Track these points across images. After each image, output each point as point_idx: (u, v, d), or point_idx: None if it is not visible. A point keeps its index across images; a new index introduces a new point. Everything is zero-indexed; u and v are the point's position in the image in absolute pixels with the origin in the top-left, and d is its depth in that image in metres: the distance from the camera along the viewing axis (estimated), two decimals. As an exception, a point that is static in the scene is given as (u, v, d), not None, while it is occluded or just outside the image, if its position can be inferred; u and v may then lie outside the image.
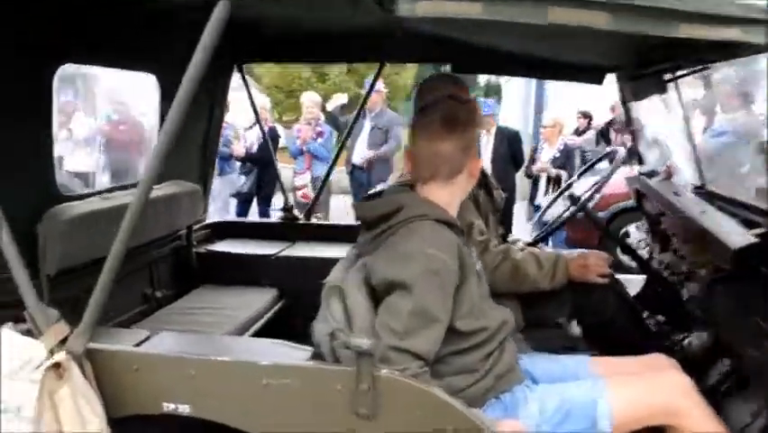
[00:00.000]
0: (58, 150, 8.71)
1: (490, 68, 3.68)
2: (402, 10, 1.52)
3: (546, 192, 7.34)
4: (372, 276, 1.83)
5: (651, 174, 3.13)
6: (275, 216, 7.62)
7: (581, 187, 5.41)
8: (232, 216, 7.29)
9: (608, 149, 8.88)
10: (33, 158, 2.43)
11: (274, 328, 3.06)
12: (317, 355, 1.90)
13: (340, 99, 7.41)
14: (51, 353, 1.66)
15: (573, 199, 3.06)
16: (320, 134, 7.53)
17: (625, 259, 4.97)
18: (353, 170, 7.56)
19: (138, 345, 2.14)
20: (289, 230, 3.78)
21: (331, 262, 3.34)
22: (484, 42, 2.81)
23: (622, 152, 3.01)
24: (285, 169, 8.76)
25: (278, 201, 7.93)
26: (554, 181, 7.56)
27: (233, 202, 7.84)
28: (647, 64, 2.75)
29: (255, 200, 7.83)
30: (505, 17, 1.55)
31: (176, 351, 1.87)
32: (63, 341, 1.69)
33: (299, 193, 7.45)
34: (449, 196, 1.94)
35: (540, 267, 2.63)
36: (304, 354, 1.99)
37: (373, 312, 1.78)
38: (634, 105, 3.36)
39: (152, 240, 2.99)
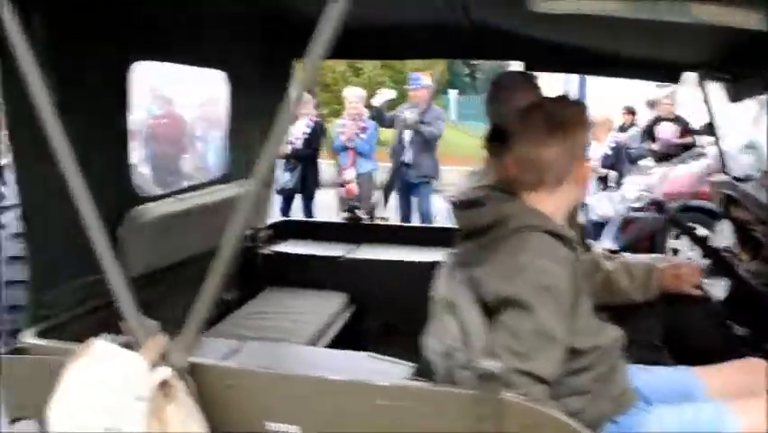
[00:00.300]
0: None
1: (563, 66, 3.54)
2: (539, 6, 1.41)
3: (598, 190, 7.18)
4: (483, 291, 1.72)
5: (744, 179, 2.99)
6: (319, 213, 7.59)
7: (631, 188, 5.19)
8: (276, 213, 7.23)
9: (654, 146, 8.71)
10: (112, 157, 2.37)
11: (345, 336, 2.98)
12: (421, 372, 1.81)
13: (387, 95, 7.29)
14: (153, 368, 1.59)
15: (659, 205, 2.93)
16: (364, 130, 7.44)
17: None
18: (398, 166, 7.45)
19: (228, 357, 2.06)
20: (354, 231, 3.68)
21: (402, 266, 3.27)
22: (572, 41, 2.69)
23: (712, 151, 2.88)
24: (328, 165, 8.71)
25: (320, 198, 7.90)
26: (602, 180, 7.40)
27: (277, 199, 7.79)
28: (741, 62, 2.61)
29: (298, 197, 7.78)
30: (645, 14, 1.44)
31: (276, 366, 1.78)
32: (162, 354, 1.62)
33: (344, 189, 7.38)
34: (555, 204, 1.83)
35: (632, 278, 2.50)
36: (404, 371, 1.89)
37: (489, 330, 1.68)
38: (715, 104, 3.21)
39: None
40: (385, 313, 3.19)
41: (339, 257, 3.35)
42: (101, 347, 1.62)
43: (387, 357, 2.03)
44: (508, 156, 1.87)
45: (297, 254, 3.40)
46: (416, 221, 7.51)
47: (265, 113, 3.46)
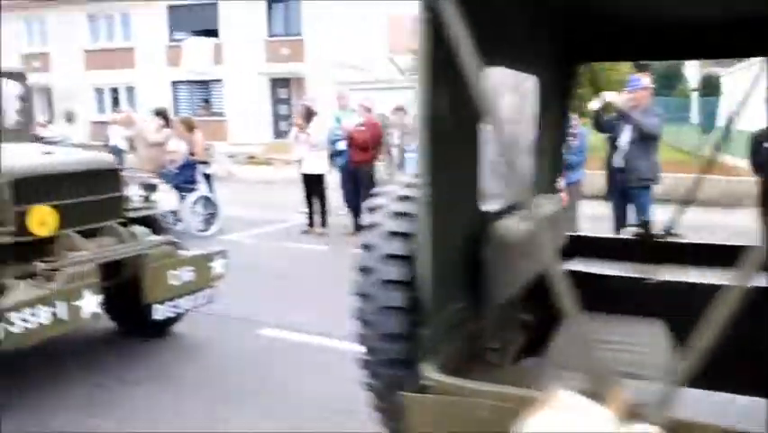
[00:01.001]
0: (298, 152, 8.70)
1: None
2: None
3: None
4: None
5: None
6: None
7: None
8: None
9: None
10: (473, 170, 2.20)
11: None
12: None
13: (608, 97, 6.79)
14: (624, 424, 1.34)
15: None
16: (575, 137, 7.01)
17: None
18: (613, 172, 6.96)
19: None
20: (646, 249, 3.30)
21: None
22: None
23: None
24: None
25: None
26: None
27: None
28: None
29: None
30: None
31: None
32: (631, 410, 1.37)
33: (552, 199, 6.99)
34: None
35: None
36: None
37: None
38: None
39: None
40: (722, 351, 2.80)
41: (646, 279, 3.00)
42: (566, 398, 1.40)
43: None
44: None
45: (595, 274, 3.08)
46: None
47: (550, 124, 3.21)
